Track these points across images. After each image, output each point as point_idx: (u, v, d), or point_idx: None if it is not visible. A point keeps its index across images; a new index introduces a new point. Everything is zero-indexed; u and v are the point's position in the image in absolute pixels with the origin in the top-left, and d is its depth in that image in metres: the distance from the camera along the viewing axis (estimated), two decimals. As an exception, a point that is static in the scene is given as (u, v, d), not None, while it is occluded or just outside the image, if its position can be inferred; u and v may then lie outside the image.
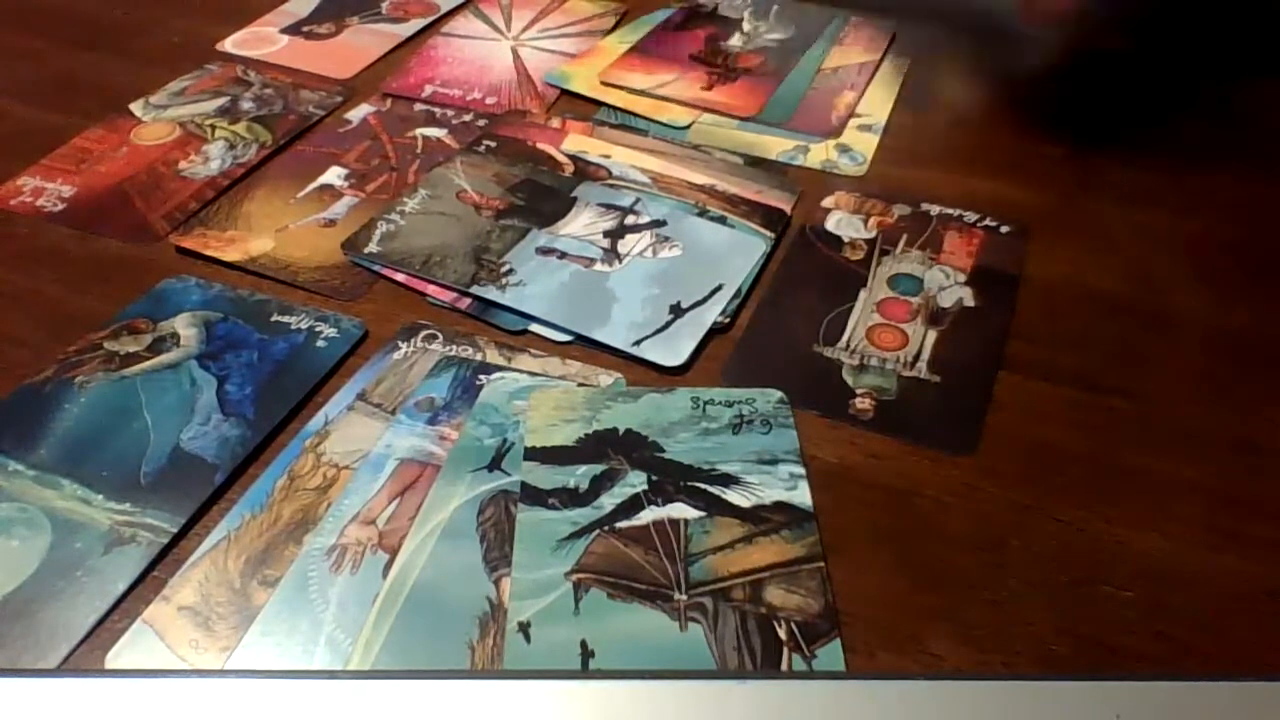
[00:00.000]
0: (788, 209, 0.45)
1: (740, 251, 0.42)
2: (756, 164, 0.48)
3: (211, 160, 0.47)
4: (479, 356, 0.37)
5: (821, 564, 0.30)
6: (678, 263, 0.41)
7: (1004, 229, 0.44)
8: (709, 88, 0.53)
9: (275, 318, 0.38)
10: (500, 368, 0.36)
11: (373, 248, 0.42)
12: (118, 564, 0.30)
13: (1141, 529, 0.31)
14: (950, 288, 0.40)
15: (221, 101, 0.52)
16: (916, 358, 0.37)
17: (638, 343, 0.37)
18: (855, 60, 0.56)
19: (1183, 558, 0.31)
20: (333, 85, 0.53)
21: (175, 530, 0.31)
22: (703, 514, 0.31)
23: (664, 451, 0.33)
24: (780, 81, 0.54)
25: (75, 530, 0.31)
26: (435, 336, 0.38)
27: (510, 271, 0.40)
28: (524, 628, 0.28)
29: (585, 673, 0.27)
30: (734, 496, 0.32)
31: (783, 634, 0.28)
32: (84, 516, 0.31)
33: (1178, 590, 0.30)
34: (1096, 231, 0.44)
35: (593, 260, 0.41)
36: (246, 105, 0.51)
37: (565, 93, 0.53)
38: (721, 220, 0.44)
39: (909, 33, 0.58)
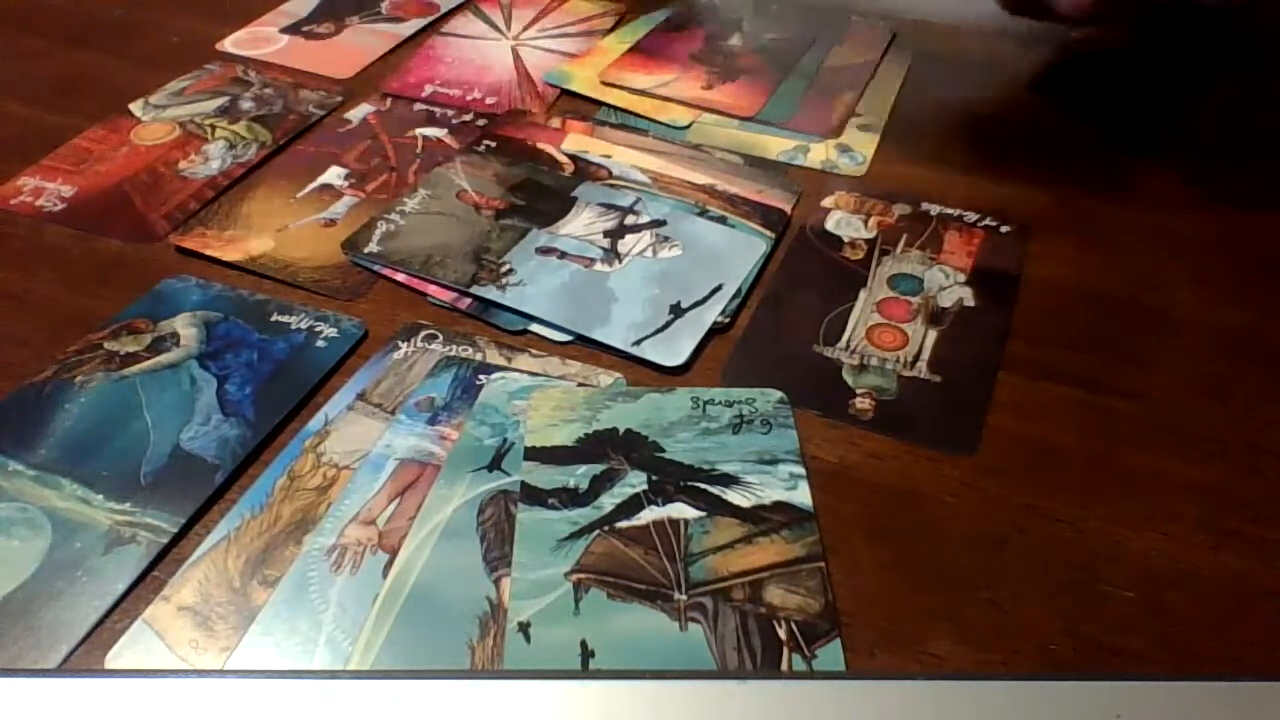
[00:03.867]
0: (788, 209, 0.45)
1: (740, 251, 0.42)
2: (756, 164, 0.48)
3: (211, 160, 0.47)
4: (479, 356, 0.37)
5: (821, 564, 0.30)
6: (678, 263, 0.41)
7: (1004, 229, 0.44)
8: (709, 87, 0.53)
9: (275, 318, 0.38)
10: (500, 368, 0.36)
11: (373, 248, 0.42)
12: (118, 564, 0.30)
13: (1141, 529, 0.31)
14: (950, 288, 0.40)
15: (221, 101, 0.52)
16: (916, 358, 0.37)
17: (638, 343, 0.37)
18: (855, 60, 0.56)
19: (1183, 558, 0.31)
20: (333, 85, 0.53)
21: (175, 530, 0.31)
22: (703, 514, 0.31)
23: (664, 451, 0.33)
24: (780, 81, 0.54)
25: (75, 530, 0.31)
26: (435, 336, 0.38)
27: (510, 271, 0.40)
28: (524, 628, 0.28)
29: (585, 673, 0.27)
30: (734, 496, 0.32)
31: (783, 634, 0.28)
32: (84, 516, 0.31)
33: (1178, 590, 0.30)
34: (1096, 231, 0.44)
35: (593, 260, 0.41)
36: (246, 105, 0.51)
37: (565, 92, 0.53)
38: (721, 220, 0.44)
39: (909, 32, 0.58)
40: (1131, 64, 0.55)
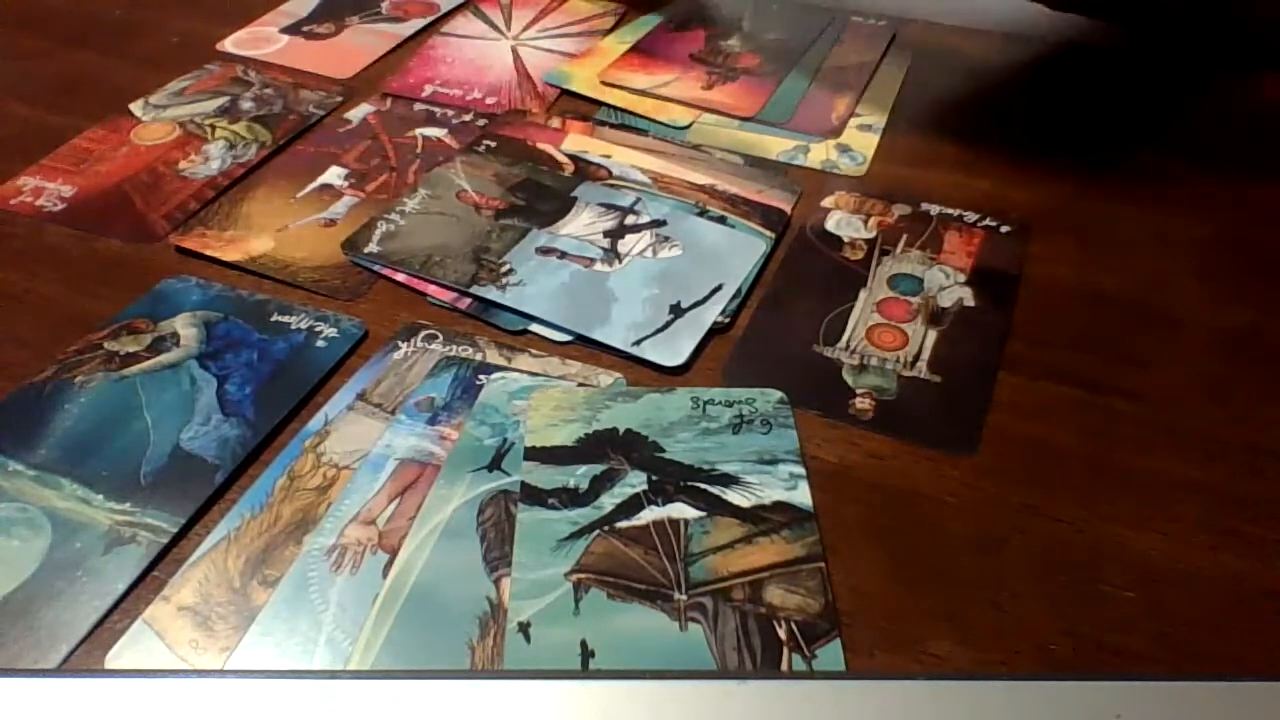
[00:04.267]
0: (788, 209, 0.45)
1: (740, 251, 0.42)
2: (756, 164, 0.48)
3: (211, 160, 0.47)
4: (479, 356, 0.37)
5: (821, 564, 0.30)
6: (678, 263, 0.41)
7: (1004, 229, 0.44)
8: (709, 88, 0.53)
9: (275, 318, 0.38)
10: (500, 368, 0.36)
11: (373, 248, 0.42)
12: (118, 564, 0.30)
13: (1141, 529, 0.31)
14: (950, 288, 0.40)
15: (221, 101, 0.52)
16: (916, 358, 0.37)
17: (638, 343, 0.37)
18: (855, 60, 0.56)
19: (1183, 558, 0.31)
20: (333, 85, 0.53)
21: (175, 530, 0.31)
22: (703, 514, 0.31)
23: (664, 451, 0.33)
24: (780, 81, 0.54)
25: (75, 530, 0.31)
26: (435, 336, 0.38)
27: (510, 271, 0.40)
28: (524, 628, 0.28)
29: (585, 673, 0.27)
30: (734, 496, 0.32)
31: (783, 634, 0.28)
32: (84, 516, 0.31)
33: (1178, 590, 0.30)
34: (1096, 231, 0.44)
35: (593, 260, 0.41)
36: (246, 105, 0.51)
37: (565, 92, 0.53)
38: (721, 220, 0.44)
39: (909, 32, 0.58)
40: (1131, 64, 0.55)
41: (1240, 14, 0.51)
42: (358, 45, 0.57)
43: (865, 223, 0.44)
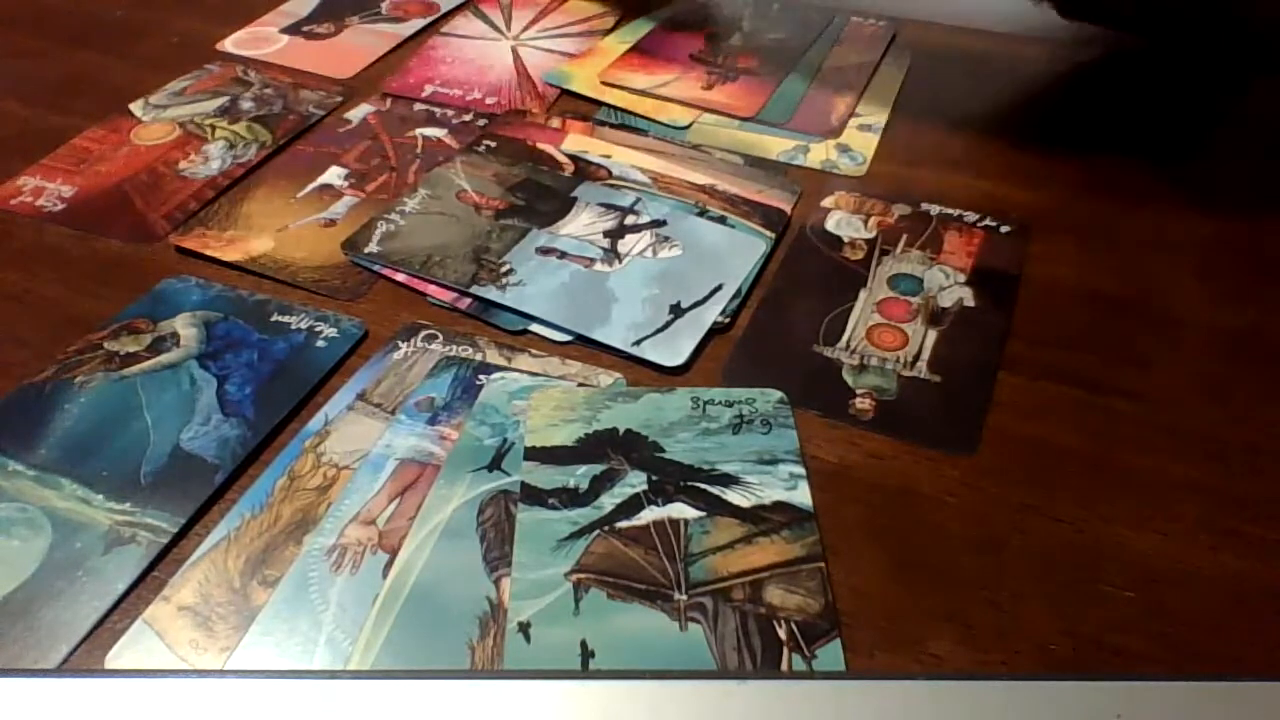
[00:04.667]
0: (788, 209, 0.45)
1: (740, 251, 0.42)
2: (756, 164, 0.48)
3: (211, 160, 0.47)
4: (479, 356, 0.37)
5: (821, 564, 0.30)
6: (678, 263, 0.41)
7: (1004, 229, 0.44)
8: (709, 88, 0.53)
9: (275, 318, 0.38)
10: (500, 368, 0.36)
11: (373, 248, 0.42)
12: (118, 564, 0.30)
13: (1141, 529, 0.31)
14: (950, 288, 0.40)
15: (221, 101, 0.52)
16: (916, 358, 0.37)
17: (638, 343, 0.37)
18: (855, 60, 0.56)
19: (1183, 558, 0.31)
20: (333, 85, 0.53)
21: (175, 530, 0.31)
22: (703, 514, 0.31)
23: (664, 451, 0.33)
24: (780, 81, 0.54)
25: (75, 530, 0.31)
26: (435, 336, 0.38)
27: (510, 271, 0.40)
28: (524, 628, 0.28)
29: (585, 673, 0.27)
30: (734, 496, 0.32)
31: (783, 634, 0.28)
32: (84, 516, 0.31)
33: (1178, 590, 0.30)
34: (1096, 231, 0.44)
35: (593, 260, 0.41)
36: (246, 105, 0.51)
37: (565, 92, 0.53)
38: (721, 220, 0.44)
39: (909, 32, 0.58)
40: (1131, 64, 0.55)
41: (1240, 14, 0.51)
42: (358, 45, 0.57)
43: (865, 223, 0.44)
